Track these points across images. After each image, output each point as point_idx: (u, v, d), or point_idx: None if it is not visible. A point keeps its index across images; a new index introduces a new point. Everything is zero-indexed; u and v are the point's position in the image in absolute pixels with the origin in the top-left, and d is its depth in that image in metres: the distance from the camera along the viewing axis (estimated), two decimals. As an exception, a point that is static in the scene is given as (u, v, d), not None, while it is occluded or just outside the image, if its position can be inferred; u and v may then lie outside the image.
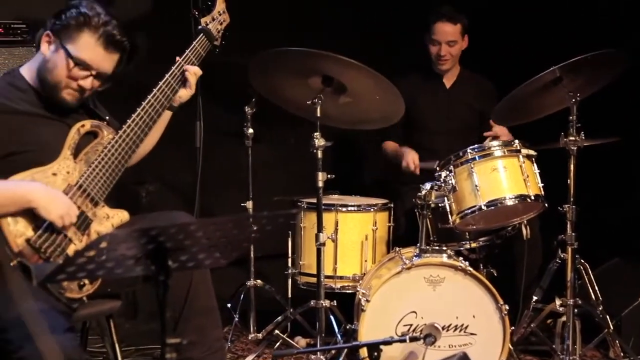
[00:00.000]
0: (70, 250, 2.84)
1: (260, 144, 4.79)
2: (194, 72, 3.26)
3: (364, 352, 3.50)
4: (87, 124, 3.02)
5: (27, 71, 3.03)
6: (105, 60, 2.99)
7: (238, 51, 4.23)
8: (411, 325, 3.63)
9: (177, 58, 3.25)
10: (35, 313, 2.67)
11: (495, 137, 4.33)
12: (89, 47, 2.96)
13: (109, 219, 3.00)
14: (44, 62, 2.98)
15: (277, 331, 4.27)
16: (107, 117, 3.15)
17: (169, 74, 3.19)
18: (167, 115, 3.33)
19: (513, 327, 3.80)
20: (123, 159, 3.01)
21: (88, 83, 2.99)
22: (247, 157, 4.46)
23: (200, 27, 3.36)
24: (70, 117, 3.03)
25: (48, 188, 2.83)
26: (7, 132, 2.87)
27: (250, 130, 4.41)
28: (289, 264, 4.42)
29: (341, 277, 4.23)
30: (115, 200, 4.47)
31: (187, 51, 3.27)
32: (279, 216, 2.45)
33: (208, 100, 4.42)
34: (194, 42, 3.31)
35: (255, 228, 2.40)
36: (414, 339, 3.36)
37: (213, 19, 3.39)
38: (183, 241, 2.24)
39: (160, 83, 3.16)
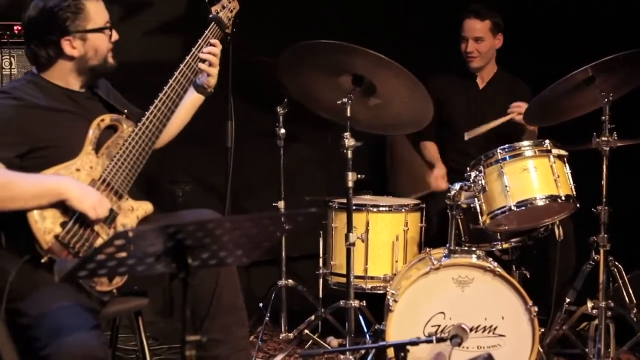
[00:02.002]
0: (98, 244, 2.87)
1: (295, 144, 4.81)
2: (209, 51, 3.29)
3: (391, 352, 3.49)
4: (107, 119, 3.07)
5: (47, 73, 3.07)
6: (104, 6, 3.12)
7: (270, 50, 4.26)
8: (439, 326, 3.61)
9: (192, 49, 3.30)
10: (63, 310, 2.71)
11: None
12: (98, 9, 3.07)
13: (134, 211, 3.05)
14: (82, 58, 3.04)
15: (306, 331, 4.27)
16: (126, 111, 3.20)
17: (184, 63, 3.22)
18: (198, 99, 3.43)
19: (543, 329, 3.76)
20: (144, 151, 3.06)
21: (116, 33, 3.12)
22: (280, 157, 4.47)
23: (211, 15, 3.38)
24: (90, 111, 3.08)
25: (78, 181, 2.88)
26: (30, 127, 2.91)
27: (283, 130, 4.43)
28: (320, 264, 4.42)
29: (372, 278, 4.22)
30: (152, 200, 4.52)
31: (200, 40, 3.31)
32: (298, 215, 2.45)
33: (240, 100, 4.43)
34: (206, 31, 3.34)
35: (274, 227, 2.42)
36: (440, 340, 3.35)
37: (223, 7, 3.42)
38: (202, 239, 2.25)
39: (176, 73, 3.20)
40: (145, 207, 3.08)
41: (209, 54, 3.28)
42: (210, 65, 3.31)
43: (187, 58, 3.24)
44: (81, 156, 2.95)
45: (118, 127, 3.07)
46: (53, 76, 3.06)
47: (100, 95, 3.18)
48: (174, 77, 3.18)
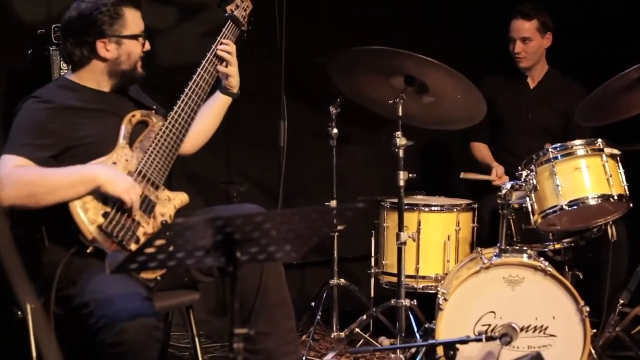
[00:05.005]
0: (140, 233, 2.97)
1: (349, 144, 4.83)
2: (226, 50, 3.37)
3: (441, 350, 3.48)
4: (138, 114, 3.17)
5: (76, 77, 3.19)
6: (140, 16, 3.23)
7: (323, 50, 4.29)
8: (489, 325, 3.59)
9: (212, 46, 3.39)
10: (112, 286, 2.78)
11: None
12: (135, 18, 3.18)
13: (171, 201, 3.14)
14: (114, 61, 3.16)
15: (357, 329, 4.29)
16: (155, 107, 3.30)
17: (205, 60, 3.33)
18: (225, 101, 3.48)
19: (595, 330, 3.72)
20: (176, 143, 3.16)
21: (148, 44, 3.24)
22: (332, 157, 4.50)
23: (226, 14, 3.46)
24: (121, 109, 3.18)
25: (109, 167, 2.98)
26: (65, 127, 3.02)
27: (335, 130, 4.43)
28: (372, 264, 4.44)
29: (423, 277, 4.25)
30: (207, 200, 4.57)
31: (219, 37, 3.40)
32: (346, 210, 2.47)
33: (293, 100, 4.47)
34: (223, 29, 3.43)
35: (322, 222, 2.44)
36: (489, 339, 3.34)
37: (237, 7, 3.50)
38: (251, 233, 2.27)
39: (198, 69, 3.30)
40: (181, 197, 3.18)
41: (224, 52, 3.36)
42: (227, 64, 3.38)
43: (208, 54, 3.35)
44: (116, 150, 3.05)
45: (149, 122, 3.18)
46: (84, 77, 3.18)
47: (129, 95, 3.28)
48: (197, 72, 3.29)
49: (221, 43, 3.37)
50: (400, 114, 3.85)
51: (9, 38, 4.06)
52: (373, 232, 4.44)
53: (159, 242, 2.21)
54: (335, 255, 4.48)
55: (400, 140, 3.83)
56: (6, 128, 3.10)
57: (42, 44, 3.90)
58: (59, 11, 4.07)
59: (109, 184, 2.90)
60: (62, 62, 3.82)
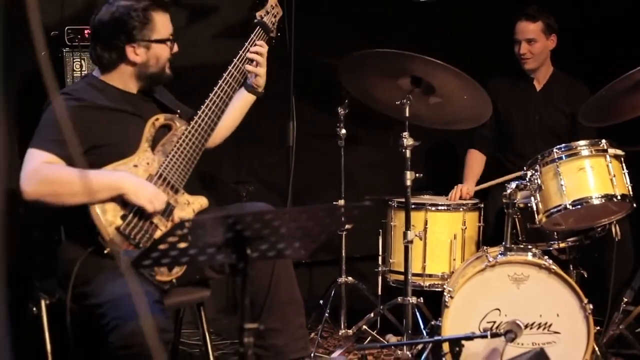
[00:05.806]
0: (157, 235, 3.00)
1: (357, 145, 4.87)
2: (256, 51, 3.43)
3: (447, 347, 3.54)
4: (161, 118, 3.21)
5: (105, 77, 3.23)
6: (169, 19, 3.27)
7: (331, 52, 4.34)
8: (495, 322, 3.63)
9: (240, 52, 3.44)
10: (125, 287, 2.81)
11: None
12: (164, 22, 3.22)
13: (190, 205, 3.17)
14: (144, 64, 3.20)
15: (365, 327, 4.34)
16: (179, 110, 3.33)
17: (232, 65, 3.37)
18: (250, 99, 3.54)
19: (598, 327, 3.76)
20: (198, 148, 3.20)
21: (176, 46, 3.28)
22: (340, 157, 4.55)
23: (255, 20, 3.51)
24: (145, 111, 3.23)
25: (135, 176, 3.02)
26: (91, 126, 3.06)
27: (343, 131, 4.48)
28: (380, 262, 4.50)
29: (430, 276, 4.31)
30: (217, 200, 4.63)
31: (247, 43, 3.45)
32: (352, 208, 2.53)
33: (301, 100, 4.52)
34: (252, 35, 3.47)
35: (329, 219, 2.49)
36: (494, 335, 3.40)
37: (267, 12, 3.54)
38: (261, 230, 2.32)
39: (225, 75, 3.34)
40: (200, 201, 3.22)
41: (255, 53, 3.41)
42: (257, 65, 3.43)
43: (235, 60, 3.39)
44: (138, 153, 3.09)
45: (172, 126, 3.22)
46: (112, 79, 3.22)
47: (153, 96, 3.33)
48: (223, 78, 3.33)
49: (254, 44, 3.42)
50: (407, 114, 3.92)
51: (22, 40, 4.11)
52: (381, 231, 4.50)
53: (171, 240, 2.27)
54: (344, 254, 4.53)
55: (407, 141, 3.89)
56: (21, 128, 3.14)
57: (55, 46, 3.96)
58: (71, 13, 4.15)
59: (132, 194, 2.95)
60: (75, 64, 3.88)
